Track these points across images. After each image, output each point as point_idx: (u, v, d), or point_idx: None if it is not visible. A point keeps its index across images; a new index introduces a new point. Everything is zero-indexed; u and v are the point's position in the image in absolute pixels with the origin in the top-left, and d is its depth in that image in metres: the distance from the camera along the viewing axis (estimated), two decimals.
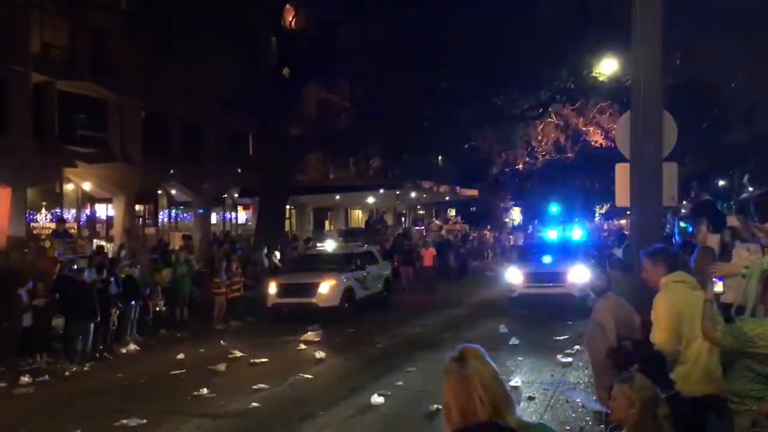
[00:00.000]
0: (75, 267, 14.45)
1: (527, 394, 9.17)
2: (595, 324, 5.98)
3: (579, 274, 16.14)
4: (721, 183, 39.52)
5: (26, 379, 11.16)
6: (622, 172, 7.57)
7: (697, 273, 7.21)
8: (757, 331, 3.96)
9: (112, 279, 13.83)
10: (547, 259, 18.02)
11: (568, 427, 7.68)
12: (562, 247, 18.95)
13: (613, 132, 22.32)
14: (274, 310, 16.69)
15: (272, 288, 16.88)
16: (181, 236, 22.06)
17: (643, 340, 5.21)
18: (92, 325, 12.83)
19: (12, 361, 12.05)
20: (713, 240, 7.02)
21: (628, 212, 16.17)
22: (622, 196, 7.56)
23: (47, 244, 16.96)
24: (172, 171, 25.14)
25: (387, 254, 22.71)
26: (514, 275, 17.58)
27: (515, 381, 9.77)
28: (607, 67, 22.84)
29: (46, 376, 11.46)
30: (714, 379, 4.41)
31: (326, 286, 16.40)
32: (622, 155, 7.65)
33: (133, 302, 14.46)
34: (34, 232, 20.61)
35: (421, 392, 9.39)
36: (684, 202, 16.31)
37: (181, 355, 12.66)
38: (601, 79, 24.03)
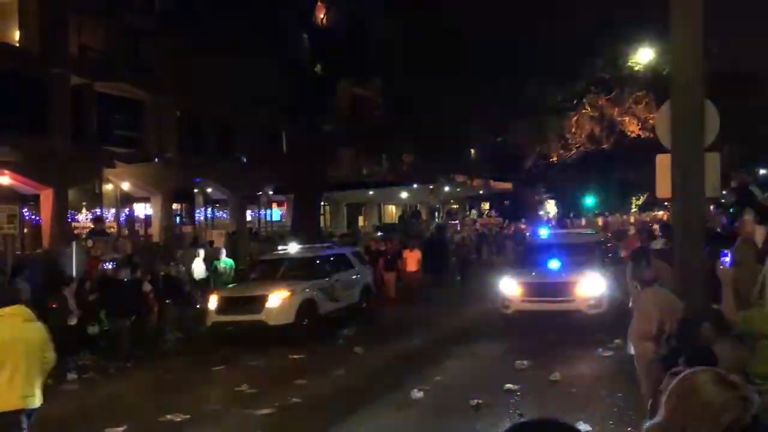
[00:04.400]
0: (110, 265, 14.74)
1: (569, 389, 9.10)
2: (640, 315, 5.92)
3: (592, 285, 13.08)
4: (762, 172, 38.78)
5: (72, 375, 11.42)
6: (663, 162, 7.44)
7: (738, 264, 7.09)
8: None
9: (147, 279, 14.09)
10: (552, 264, 14.20)
11: (611, 423, 7.61)
12: (573, 250, 14.93)
13: (650, 122, 21.94)
14: (216, 330, 13.74)
15: (212, 302, 13.90)
16: (227, 234, 22.44)
17: (688, 335, 5.16)
18: (130, 322, 13.04)
19: (58, 359, 12.31)
20: (760, 232, 6.88)
21: (666, 203, 15.69)
22: (664, 187, 7.44)
23: (89, 243, 17.30)
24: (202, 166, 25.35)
25: (373, 257, 19.91)
26: (508, 286, 13.75)
27: (554, 375, 9.71)
28: (644, 56, 22.50)
29: (91, 373, 11.71)
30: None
31: (276, 299, 13.34)
32: (663, 146, 7.53)
33: (172, 300, 14.68)
34: (76, 231, 21.05)
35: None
36: (724, 192, 15.98)
37: (221, 351, 12.82)
38: (636, 68, 23.67)
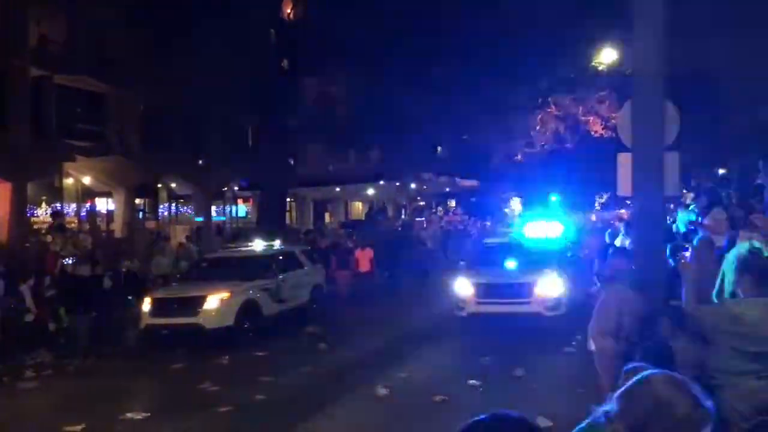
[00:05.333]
0: (70, 261, 14.48)
1: (531, 385, 9.20)
2: (599, 312, 6.00)
3: (550, 286, 12.64)
4: (721, 171, 39.59)
5: (30, 373, 11.20)
6: (624, 161, 7.55)
7: (698, 261, 7.22)
8: (729, 314, 4.30)
9: (107, 275, 13.87)
10: (508, 264, 13.51)
11: (572, 417, 7.69)
12: (532, 249, 14.20)
13: (613, 121, 22.27)
14: (150, 334, 12.82)
15: (146, 304, 12.97)
16: (196, 229, 22.18)
17: (647, 332, 5.24)
18: (90, 318, 12.80)
19: (16, 356, 12.08)
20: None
21: (628, 202, 15.85)
22: (625, 185, 7.55)
23: (49, 238, 16.97)
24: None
25: (323, 255, 18.78)
26: (462, 287, 13.16)
27: (517, 371, 9.81)
28: (607, 56, 22.84)
29: (50, 371, 11.49)
30: None
31: (214, 301, 12.62)
32: (624, 144, 7.63)
33: (132, 297, 14.46)
34: (35, 226, 20.63)
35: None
36: (684, 191, 16.27)
37: (183, 348, 12.65)
38: (600, 68, 24.03)
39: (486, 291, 12.90)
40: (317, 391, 9.46)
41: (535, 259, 13.46)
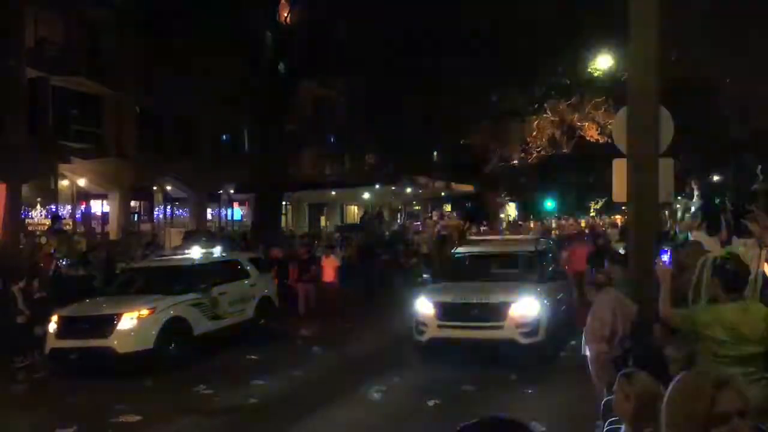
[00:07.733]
0: (65, 262, 14.42)
1: (525, 390, 9.20)
2: (594, 318, 6.01)
3: (527, 307, 10.62)
4: (716, 178, 39.88)
5: (22, 376, 11.14)
6: (619, 167, 7.57)
7: (685, 266, 7.24)
8: (703, 319, 4.40)
9: (100, 276, 13.84)
10: (479, 281, 11.67)
11: (566, 422, 7.70)
12: (505, 261, 12.35)
13: (609, 127, 22.36)
14: (56, 359, 11.24)
15: (52, 324, 11.23)
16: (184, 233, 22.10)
17: (641, 337, 5.26)
18: None
19: (7, 358, 12.01)
20: (713, 242, 7.07)
21: (623, 207, 15.88)
22: (620, 191, 7.57)
23: (43, 240, 16.92)
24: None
25: (279, 265, 16.81)
26: (424, 306, 11.14)
27: (511, 376, 9.80)
28: (603, 62, 22.95)
29: (42, 373, 11.42)
30: None
31: (129, 321, 10.88)
32: (620, 150, 7.66)
33: None
34: (29, 228, 20.57)
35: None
36: (678, 198, 16.31)
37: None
38: (596, 74, 24.14)
39: (450, 312, 10.88)
40: (310, 394, 9.44)
41: (511, 274, 11.84)
